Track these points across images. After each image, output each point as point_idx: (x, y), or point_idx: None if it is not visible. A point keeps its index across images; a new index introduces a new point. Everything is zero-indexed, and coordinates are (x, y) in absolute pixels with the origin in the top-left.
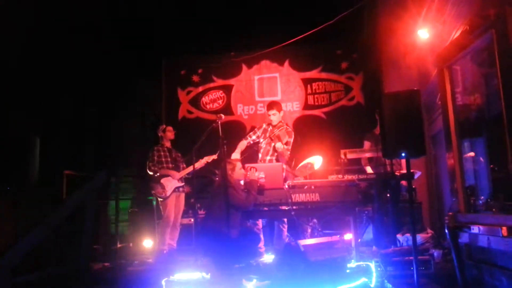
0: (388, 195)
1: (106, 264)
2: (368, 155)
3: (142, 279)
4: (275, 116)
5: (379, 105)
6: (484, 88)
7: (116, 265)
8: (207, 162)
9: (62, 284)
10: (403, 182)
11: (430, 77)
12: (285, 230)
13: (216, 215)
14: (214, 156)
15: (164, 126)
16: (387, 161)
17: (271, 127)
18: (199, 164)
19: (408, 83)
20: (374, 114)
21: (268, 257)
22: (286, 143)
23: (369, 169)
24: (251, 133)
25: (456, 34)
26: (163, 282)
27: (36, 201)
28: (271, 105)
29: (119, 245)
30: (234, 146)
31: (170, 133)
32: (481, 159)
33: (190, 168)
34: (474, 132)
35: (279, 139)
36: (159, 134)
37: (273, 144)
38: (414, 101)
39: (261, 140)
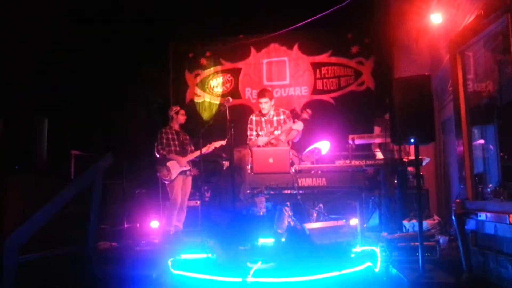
0: (395, 181)
1: (113, 243)
2: (377, 140)
3: (148, 259)
4: (267, 104)
5: (389, 90)
6: (496, 75)
7: (123, 245)
8: (215, 147)
9: (69, 263)
10: (410, 168)
11: (442, 62)
12: (286, 213)
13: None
14: (223, 142)
15: (178, 108)
16: (395, 147)
17: (263, 118)
18: (207, 149)
19: (419, 68)
20: (384, 99)
21: (270, 240)
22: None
23: (379, 155)
24: (250, 132)
25: (470, 18)
26: (169, 262)
27: (44, 180)
28: (263, 93)
29: (126, 226)
30: (242, 130)
31: (182, 117)
32: (491, 146)
33: (197, 153)
34: (484, 119)
35: (289, 130)
36: (171, 114)
37: (277, 132)
38: (425, 87)
39: (260, 133)
